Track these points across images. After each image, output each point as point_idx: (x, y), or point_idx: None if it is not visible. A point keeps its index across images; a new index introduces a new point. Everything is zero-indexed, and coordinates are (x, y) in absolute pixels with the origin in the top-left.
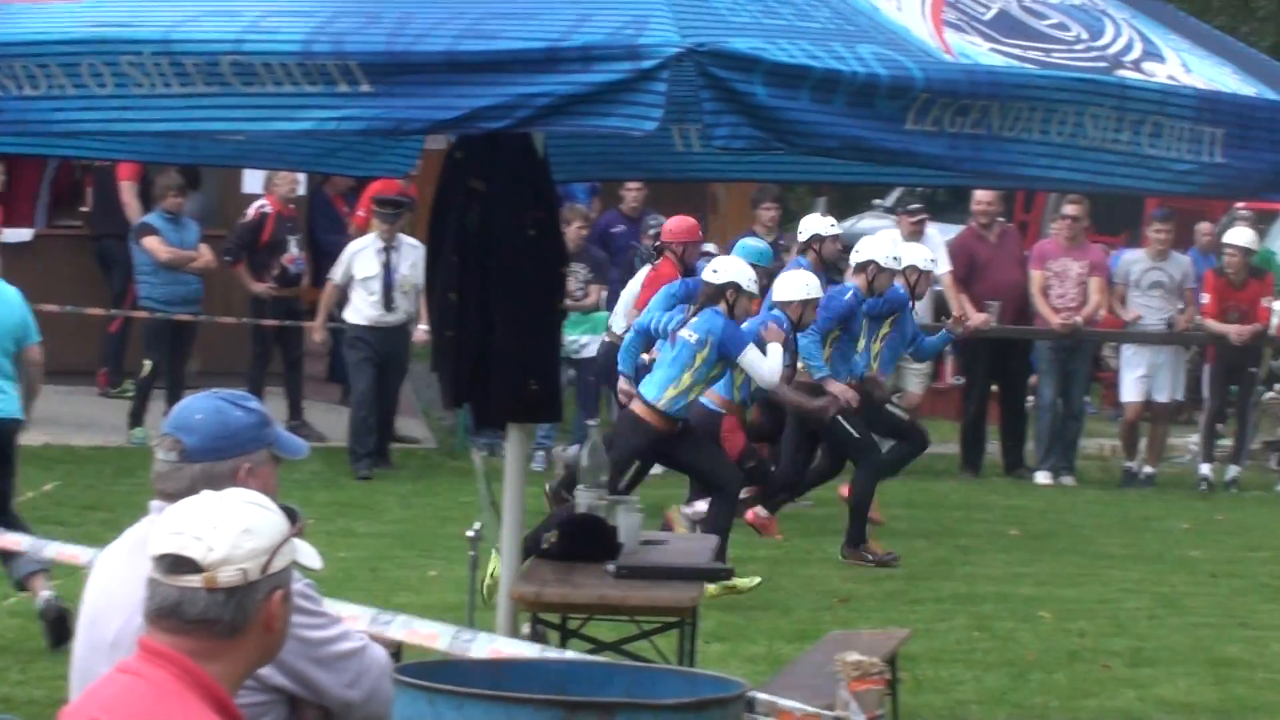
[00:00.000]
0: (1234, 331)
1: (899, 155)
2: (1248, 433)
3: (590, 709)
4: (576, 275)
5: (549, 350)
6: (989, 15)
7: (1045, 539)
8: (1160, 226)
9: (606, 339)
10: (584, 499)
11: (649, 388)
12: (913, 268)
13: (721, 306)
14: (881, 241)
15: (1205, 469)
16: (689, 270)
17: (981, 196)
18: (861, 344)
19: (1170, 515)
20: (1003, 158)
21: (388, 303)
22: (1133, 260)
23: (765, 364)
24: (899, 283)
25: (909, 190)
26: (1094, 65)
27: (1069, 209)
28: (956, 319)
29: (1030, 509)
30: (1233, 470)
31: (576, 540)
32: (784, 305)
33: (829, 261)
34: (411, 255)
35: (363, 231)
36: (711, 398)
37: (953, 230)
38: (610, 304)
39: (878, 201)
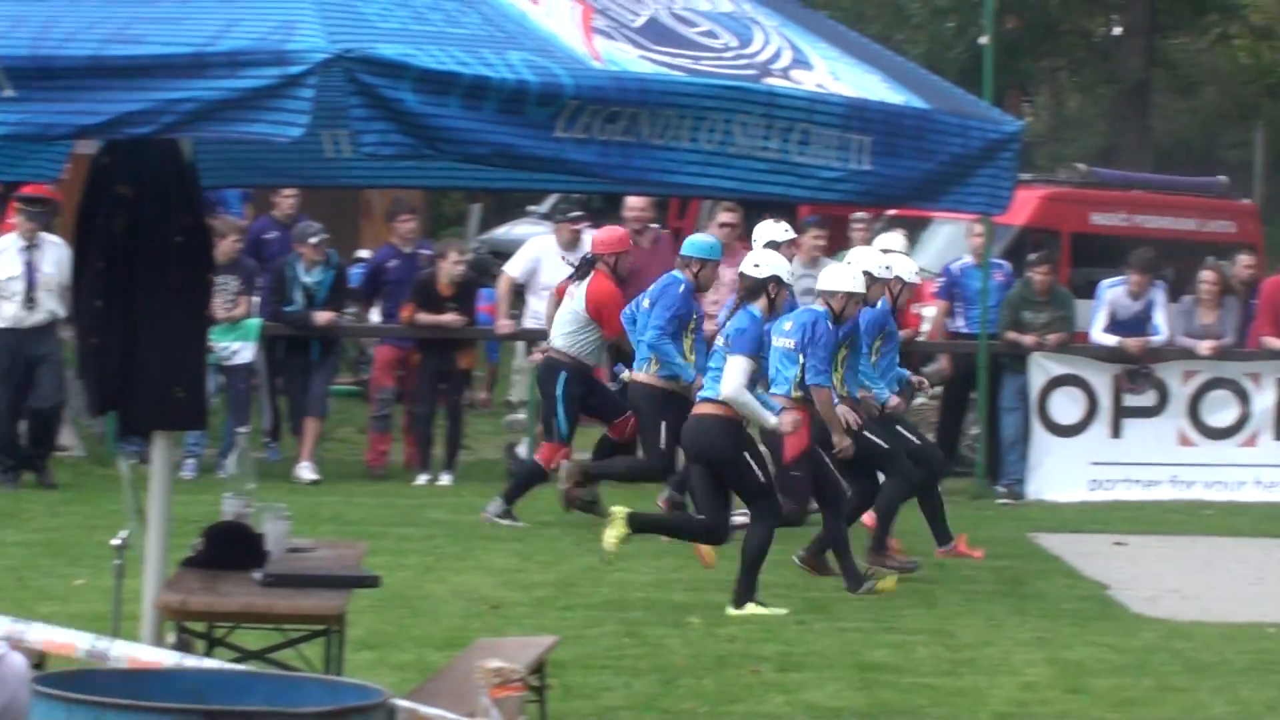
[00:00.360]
0: None
1: (550, 162)
2: None
3: (229, 717)
4: (227, 288)
5: (195, 358)
6: (638, 22)
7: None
8: (816, 233)
9: (544, 354)
10: (230, 507)
11: (713, 391)
12: (897, 279)
13: (762, 301)
14: (872, 252)
15: None
16: (621, 280)
17: (634, 203)
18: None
19: (821, 521)
20: (653, 165)
21: (29, 303)
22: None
23: (734, 378)
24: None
25: (564, 196)
26: (743, 73)
27: (723, 216)
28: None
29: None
30: None
31: (223, 548)
32: (828, 296)
33: None
34: (54, 253)
35: None
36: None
37: None
38: (263, 311)
39: (533, 208)
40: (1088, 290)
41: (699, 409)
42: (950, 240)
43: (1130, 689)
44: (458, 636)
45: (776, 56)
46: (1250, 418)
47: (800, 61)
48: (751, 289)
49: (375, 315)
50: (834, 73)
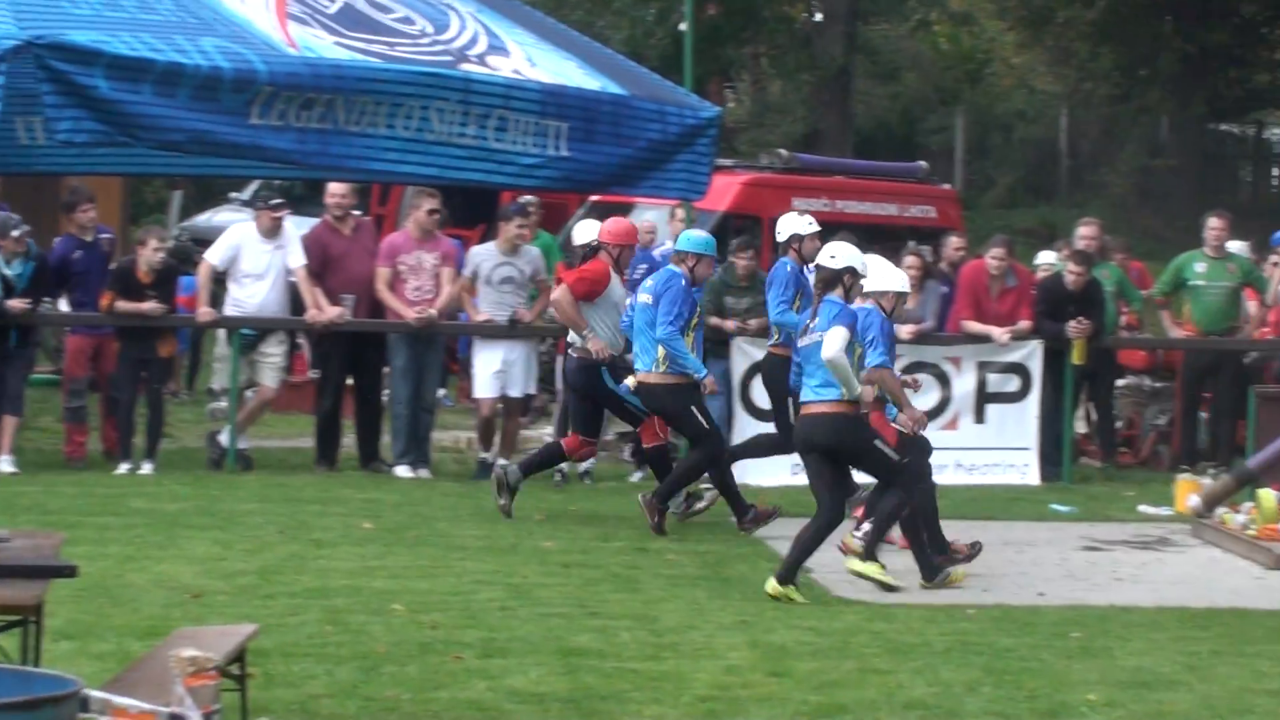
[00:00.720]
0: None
1: (246, 149)
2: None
3: None
4: None
5: None
6: (333, 9)
7: (400, 531)
8: (520, 221)
9: (575, 354)
10: None
11: (828, 390)
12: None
13: (839, 291)
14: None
15: None
16: (621, 272)
17: (335, 189)
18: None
19: (523, 506)
20: (349, 151)
21: None
22: (483, 255)
23: (833, 345)
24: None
25: (266, 183)
26: (439, 59)
27: (427, 203)
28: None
29: (385, 502)
30: (587, 461)
31: None
32: (878, 296)
33: (808, 260)
34: None
35: None
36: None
37: (311, 223)
38: None
39: (235, 194)
40: None
41: (812, 409)
42: (653, 226)
43: (832, 671)
44: (159, 626)
45: (473, 42)
46: (951, 401)
47: (496, 47)
48: (828, 280)
49: (64, 305)
50: (530, 59)
